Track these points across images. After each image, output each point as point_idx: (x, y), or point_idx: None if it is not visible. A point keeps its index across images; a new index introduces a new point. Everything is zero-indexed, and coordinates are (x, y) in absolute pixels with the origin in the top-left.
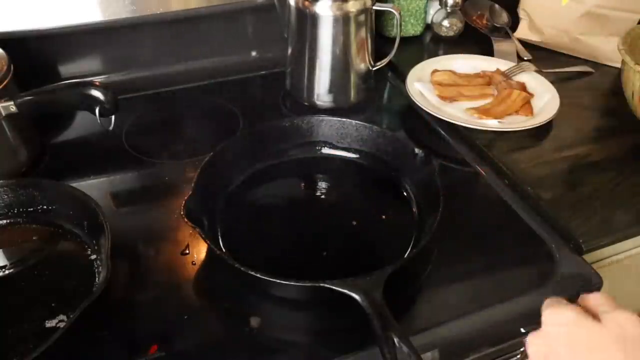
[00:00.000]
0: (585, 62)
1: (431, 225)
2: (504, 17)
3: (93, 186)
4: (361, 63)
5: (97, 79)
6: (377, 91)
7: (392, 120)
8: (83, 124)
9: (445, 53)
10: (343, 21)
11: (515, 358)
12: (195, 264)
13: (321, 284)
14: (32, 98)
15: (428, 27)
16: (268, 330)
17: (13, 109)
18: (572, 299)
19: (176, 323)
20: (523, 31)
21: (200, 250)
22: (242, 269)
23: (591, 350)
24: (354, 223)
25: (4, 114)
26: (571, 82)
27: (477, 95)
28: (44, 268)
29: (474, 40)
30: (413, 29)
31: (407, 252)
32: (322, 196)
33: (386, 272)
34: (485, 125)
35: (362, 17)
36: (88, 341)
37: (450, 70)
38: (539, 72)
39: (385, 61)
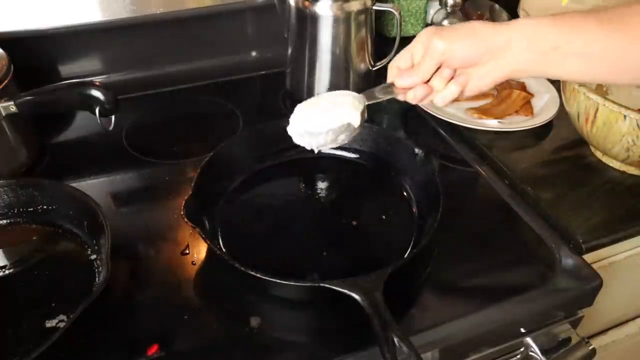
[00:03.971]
0: None
1: (431, 225)
2: (503, 17)
3: (93, 186)
4: (361, 63)
5: (97, 79)
6: None
7: (392, 120)
8: (83, 124)
9: None
10: (343, 21)
11: (515, 358)
12: (195, 264)
13: (321, 284)
14: (32, 98)
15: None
16: (268, 330)
17: (13, 109)
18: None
19: (176, 323)
20: None
21: (200, 250)
22: (242, 269)
23: None
24: (354, 223)
25: (4, 114)
26: None
27: (477, 95)
28: (44, 268)
29: None
30: (413, 29)
31: (407, 252)
32: (322, 196)
33: (386, 272)
34: (485, 125)
35: (362, 17)
36: (88, 341)
37: None
38: None
39: (385, 61)
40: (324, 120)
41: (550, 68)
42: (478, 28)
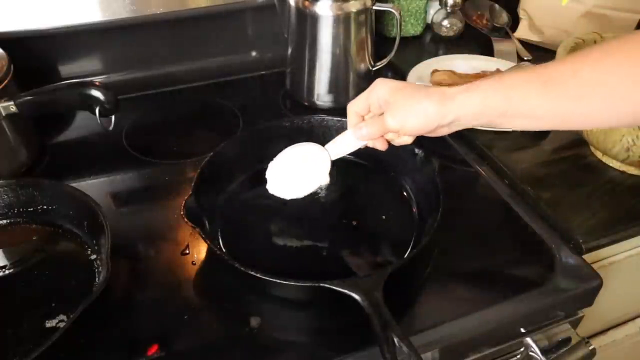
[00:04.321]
0: None
1: (431, 225)
2: (504, 17)
3: (93, 186)
4: (361, 63)
5: (97, 79)
6: None
7: None
8: (83, 124)
9: (445, 53)
10: (343, 21)
11: (515, 358)
12: (195, 264)
13: (321, 284)
14: (32, 98)
15: (428, 27)
16: (268, 330)
17: (13, 109)
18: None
19: (176, 323)
20: (523, 31)
21: (200, 250)
22: (242, 269)
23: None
24: (354, 223)
25: (4, 114)
26: None
27: None
28: (44, 268)
29: (474, 40)
30: (413, 29)
31: (407, 252)
32: (322, 196)
33: (386, 272)
34: None
35: (362, 17)
36: (88, 341)
37: (450, 70)
38: None
39: (385, 61)
40: (300, 189)
41: (501, 126)
42: (428, 109)
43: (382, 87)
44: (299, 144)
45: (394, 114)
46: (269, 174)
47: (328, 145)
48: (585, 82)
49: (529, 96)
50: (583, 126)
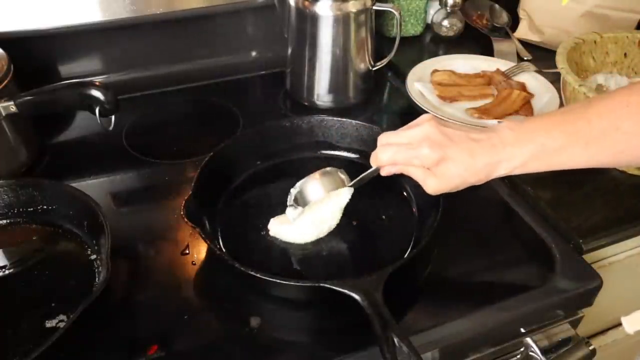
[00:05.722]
0: None
1: (431, 225)
2: (504, 17)
3: (93, 186)
4: (361, 63)
5: (97, 79)
6: (377, 91)
7: (392, 120)
8: (83, 124)
9: (445, 53)
10: (343, 21)
11: (515, 358)
12: (195, 264)
13: (321, 284)
14: (32, 98)
15: (428, 27)
16: (268, 330)
17: (13, 109)
18: None
19: (176, 323)
20: (523, 31)
21: (200, 250)
22: (242, 269)
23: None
24: (354, 223)
25: (4, 114)
26: None
27: (477, 96)
28: (44, 268)
29: (474, 40)
30: (413, 29)
31: (407, 252)
32: None
33: (386, 272)
34: (485, 125)
35: (362, 17)
36: (88, 341)
37: (450, 70)
38: (539, 72)
39: (385, 61)
40: (323, 230)
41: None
42: (472, 184)
43: (427, 135)
44: (323, 196)
45: (437, 185)
46: (297, 223)
47: (353, 183)
48: (628, 135)
49: (571, 158)
50: (612, 166)
